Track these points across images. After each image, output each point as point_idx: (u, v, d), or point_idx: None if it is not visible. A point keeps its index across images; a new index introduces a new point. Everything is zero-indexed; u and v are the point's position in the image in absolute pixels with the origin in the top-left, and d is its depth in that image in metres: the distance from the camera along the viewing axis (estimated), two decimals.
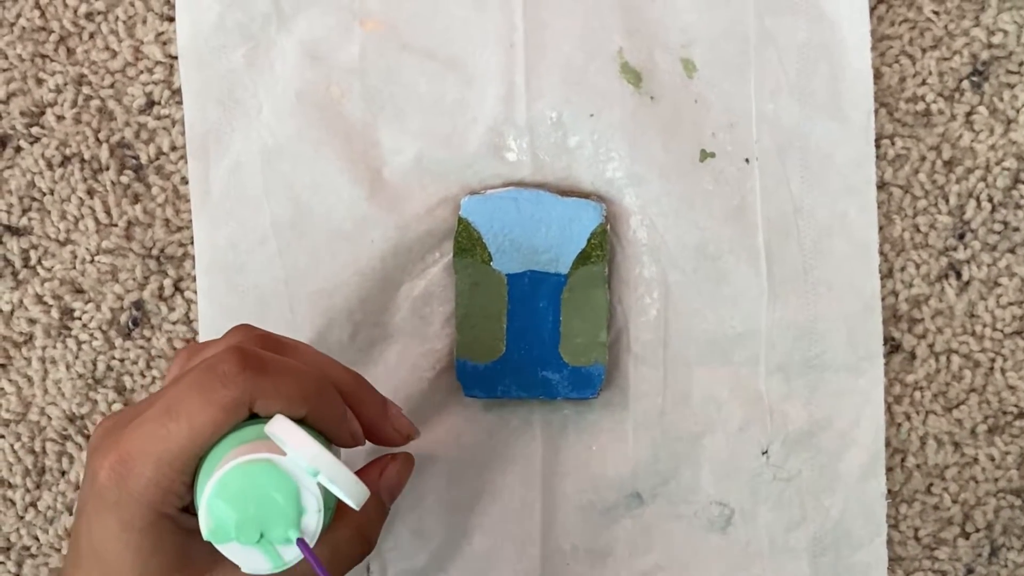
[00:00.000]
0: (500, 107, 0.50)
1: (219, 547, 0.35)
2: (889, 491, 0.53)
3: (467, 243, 0.50)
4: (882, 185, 0.52)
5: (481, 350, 0.50)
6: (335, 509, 0.38)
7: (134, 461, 0.36)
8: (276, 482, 0.35)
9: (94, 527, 0.37)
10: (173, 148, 0.52)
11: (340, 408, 0.39)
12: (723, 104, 0.51)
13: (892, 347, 0.53)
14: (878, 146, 0.52)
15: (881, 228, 0.52)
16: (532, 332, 0.50)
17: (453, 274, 0.51)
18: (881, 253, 0.52)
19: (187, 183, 0.51)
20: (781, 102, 0.51)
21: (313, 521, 0.35)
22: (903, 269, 0.53)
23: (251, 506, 0.34)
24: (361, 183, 0.50)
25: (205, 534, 0.35)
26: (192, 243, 0.51)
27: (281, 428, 0.35)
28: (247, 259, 0.51)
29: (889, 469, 0.53)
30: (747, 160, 0.51)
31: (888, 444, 0.52)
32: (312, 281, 0.51)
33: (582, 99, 0.50)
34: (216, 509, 0.34)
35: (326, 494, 0.35)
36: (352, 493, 0.35)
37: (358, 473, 0.40)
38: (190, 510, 0.37)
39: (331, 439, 0.39)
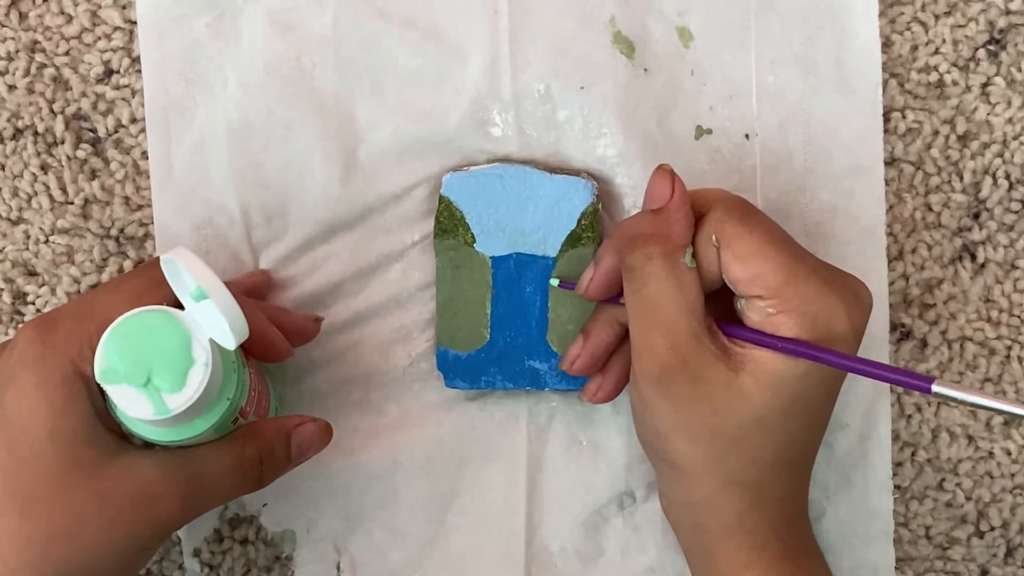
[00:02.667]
0: (484, 79, 0.49)
1: (108, 389, 0.38)
2: (898, 487, 0.52)
3: (449, 223, 0.49)
4: (891, 161, 0.51)
5: (463, 338, 0.49)
6: (242, 392, 0.41)
7: (57, 319, 0.40)
8: (169, 332, 0.38)
9: (8, 393, 0.39)
10: (133, 120, 0.50)
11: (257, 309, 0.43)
12: (721, 76, 0.50)
13: (902, 334, 0.52)
14: (887, 120, 0.51)
15: (890, 207, 0.51)
16: (518, 319, 0.50)
17: (434, 257, 0.50)
18: (890, 234, 0.51)
19: (148, 159, 0.50)
20: (783, 73, 0.50)
21: (199, 374, 0.38)
22: (914, 251, 0.52)
23: (142, 351, 0.38)
24: (335, 161, 0.49)
25: (97, 375, 0.38)
26: (154, 223, 0.50)
27: (179, 253, 0.38)
28: (212, 244, 0.50)
29: (898, 464, 0.52)
30: (747, 136, 0.50)
31: (897, 437, 0.52)
32: (283, 265, 0.50)
33: (571, 71, 0.49)
34: (110, 352, 0.38)
35: (219, 355, 0.39)
36: (234, 322, 0.37)
37: (277, 419, 0.44)
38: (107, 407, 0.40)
39: (257, 343, 0.43)
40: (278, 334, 0.45)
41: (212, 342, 0.38)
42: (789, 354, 0.40)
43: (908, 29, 0.51)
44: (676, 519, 0.45)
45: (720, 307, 0.43)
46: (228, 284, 0.38)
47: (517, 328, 0.50)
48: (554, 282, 0.48)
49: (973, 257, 0.52)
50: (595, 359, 0.47)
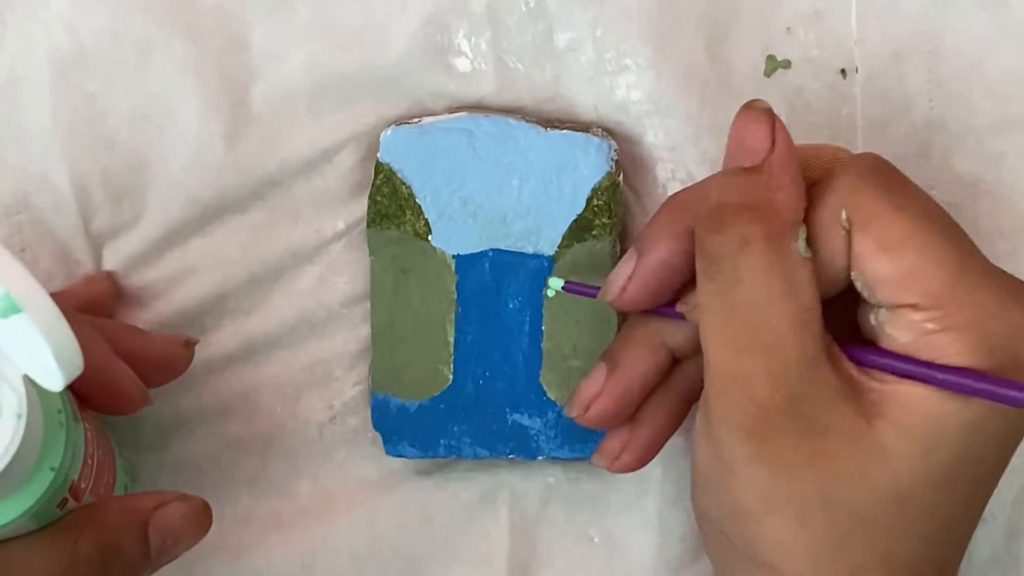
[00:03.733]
0: None
1: None
2: None
3: (390, 205, 0.43)
4: None
5: (413, 380, 0.44)
6: (74, 459, 0.37)
7: None
8: None
9: None
10: None
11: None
12: None
13: None
14: None
15: None
16: (497, 350, 0.44)
17: (367, 255, 0.44)
18: None
19: None
20: None
21: (7, 430, 0.34)
22: None
23: None
24: (217, 109, 0.43)
25: None
26: None
27: None
28: (30, 235, 0.43)
29: None
30: (843, 72, 0.44)
31: None
32: (137, 268, 0.43)
33: None
34: None
35: (38, 402, 0.35)
36: (61, 350, 0.33)
37: (127, 498, 0.40)
38: None
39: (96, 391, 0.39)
40: (127, 371, 0.39)
41: (27, 380, 0.34)
42: (956, 391, 0.34)
43: None
44: None
45: (836, 321, 0.37)
46: (55, 295, 0.33)
47: (495, 365, 0.44)
48: (556, 284, 0.42)
49: None
50: (624, 401, 0.40)
